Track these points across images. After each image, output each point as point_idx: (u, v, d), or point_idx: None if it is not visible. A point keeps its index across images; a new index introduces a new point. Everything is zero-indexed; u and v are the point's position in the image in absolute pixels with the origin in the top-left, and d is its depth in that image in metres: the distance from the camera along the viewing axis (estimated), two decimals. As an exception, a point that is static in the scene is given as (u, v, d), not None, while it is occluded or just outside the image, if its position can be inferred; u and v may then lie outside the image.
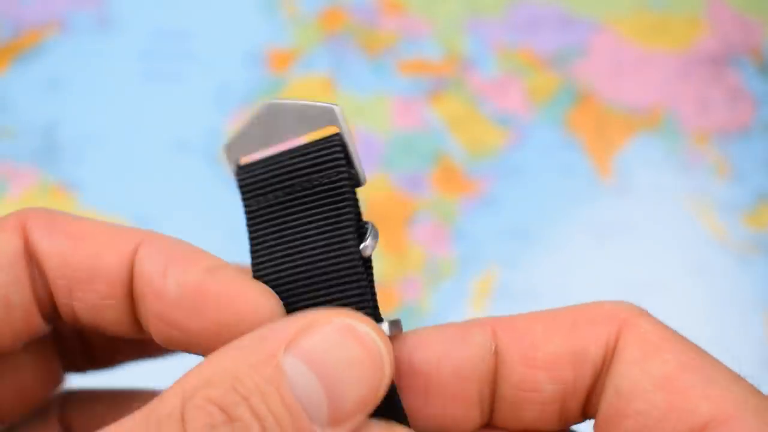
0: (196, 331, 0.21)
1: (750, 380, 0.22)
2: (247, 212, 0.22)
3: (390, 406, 0.21)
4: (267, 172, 0.22)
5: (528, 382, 0.21)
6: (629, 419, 0.20)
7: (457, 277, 0.43)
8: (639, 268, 0.44)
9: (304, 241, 0.21)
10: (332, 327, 0.19)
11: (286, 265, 0.21)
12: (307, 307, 0.21)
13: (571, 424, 0.22)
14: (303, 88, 0.48)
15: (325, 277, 0.21)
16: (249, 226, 0.22)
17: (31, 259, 0.21)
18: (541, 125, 0.47)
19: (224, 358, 0.18)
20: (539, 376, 0.21)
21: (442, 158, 0.46)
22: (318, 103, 0.22)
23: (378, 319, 0.21)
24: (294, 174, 0.22)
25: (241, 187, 0.22)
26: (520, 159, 0.46)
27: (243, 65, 0.48)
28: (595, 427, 0.21)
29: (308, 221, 0.21)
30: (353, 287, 0.21)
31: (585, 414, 0.22)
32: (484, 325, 0.22)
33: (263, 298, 0.21)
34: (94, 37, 0.49)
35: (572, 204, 0.45)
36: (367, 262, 0.21)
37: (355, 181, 0.22)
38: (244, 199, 0.22)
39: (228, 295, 0.20)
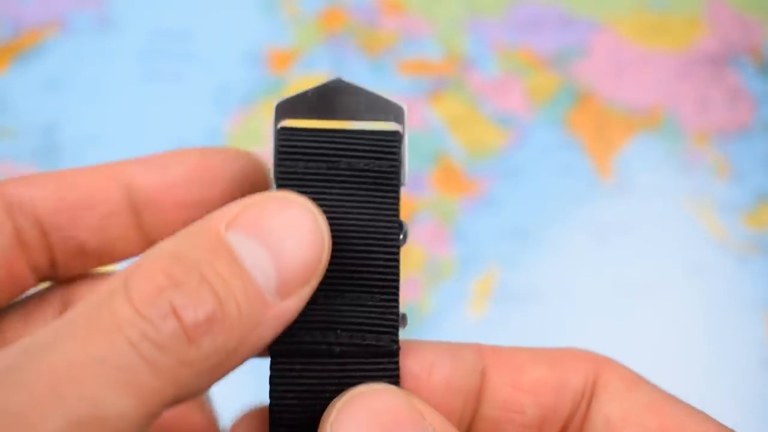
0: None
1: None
2: (279, 172, 0.22)
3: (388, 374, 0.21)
4: (314, 141, 0.22)
5: (513, 404, 0.22)
6: None
7: (457, 277, 0.43)
8: (639, 268, 0.44)
9: (343, 215, 0.21)
10: (269, 201, 0.19)
11: None
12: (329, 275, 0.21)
13: None
14: (303, 88, 0.48)
15: (357, 255, 0.22)
16: (279, 185, 0.22)
17: (15, 210, 0.22)
18: (541, 125, 0.47)
19: (166, 242, 0.18)
20: (524, 398, 0.22)
21: (442, 158, 0.46)
22: (389, 98, 0.22)
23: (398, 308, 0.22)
24: (343, 153, 0.22)
25: (280, 146, 0.22)
26: (520, 159, 0.46)
27: (243, 65, 0.48)
28: None
29: (351, 199, 0.22)
30: (386, 274, 0.22)
31: None
32: (472, 347, 0.23)
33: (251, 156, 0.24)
34: (94, 37, 0.49)
35: (572, 204, 0.45)
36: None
37: (401, 179, 0.23)
38: (281, 160, 0.22)
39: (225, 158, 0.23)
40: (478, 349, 0.23)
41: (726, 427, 0.21)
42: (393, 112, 0.22)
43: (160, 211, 0.23)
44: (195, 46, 0.49)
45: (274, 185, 0.22)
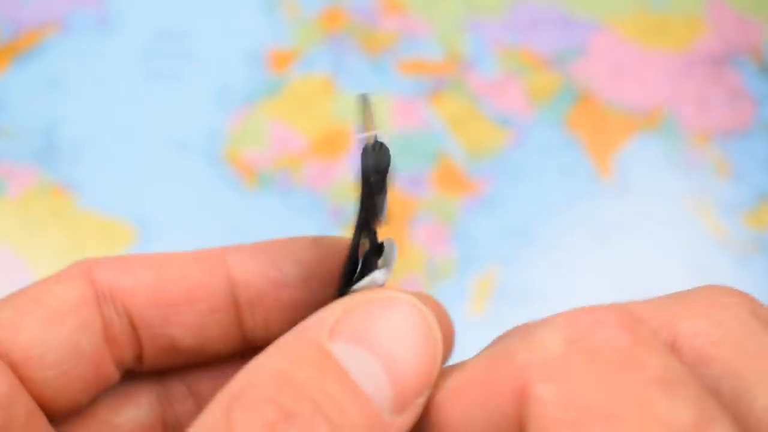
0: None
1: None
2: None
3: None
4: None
5: None
6: None
7: (457, 277, 0.43)
8: (639, 268, 0.44)
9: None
10: (372, 304, 0.17)
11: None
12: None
13: None
14: (303, 88, 0.48)
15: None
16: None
17: (106, 301, 0.20)
18: (541, 125, 0.47)
19: (265, 358, 0.16)
20: None
21: (442, 158, 0.46)
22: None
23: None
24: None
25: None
26: (520, 159, 0.46)
27: (243, 65, 0.48)
28: None
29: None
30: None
31: None
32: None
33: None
34: (94, 37, 0.49)
35: (572, 204, 0.45)
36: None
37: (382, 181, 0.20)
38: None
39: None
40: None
41: None
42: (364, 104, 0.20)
43: (266, 311, 0.21)
44: (195, 46, 0.49)
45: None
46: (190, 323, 0.21)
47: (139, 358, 0.21)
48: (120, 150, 0.46)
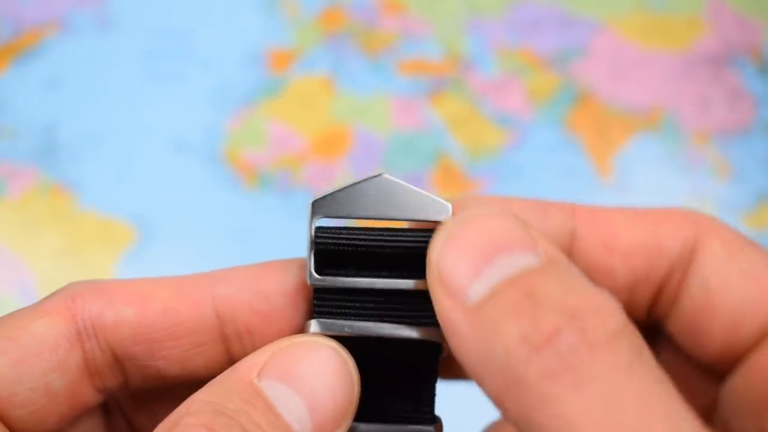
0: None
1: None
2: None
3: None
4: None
5: (603, 266, 0.21)
6: (719, 310, 0.20)
7: (457, 277, 0.43)
8: (639, 268, 0.44)
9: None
10: (298, 347, 0.19)
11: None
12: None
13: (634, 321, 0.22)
14: (303, 88, 0.48)
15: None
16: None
17: (89, 337, 0.21)
18: (541, 125, 0.47)
19: (201, 393, 0.18)
20: (615, 261, 0.21)
21: (442, 158, 0.46)
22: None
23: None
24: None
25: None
26: (520, 159, 0.46)
27: (243, 65, 0.48)
28: (675, 323, 0.21)
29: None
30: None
31: (650, 312, 0.22)
32: (566, 207, 0.22)
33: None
34: (94, 37, 0.49)
35: (572, 204, 0.45)
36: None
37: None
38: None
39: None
40: (572, 210, 0.22)
41: None
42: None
43: (254, 340, 0.22)
44: (195, 46, 0.49)
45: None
46: (174, 357, 0.21)
47: (125, 385, 0.22)
48: (120, 150, 0.46)
